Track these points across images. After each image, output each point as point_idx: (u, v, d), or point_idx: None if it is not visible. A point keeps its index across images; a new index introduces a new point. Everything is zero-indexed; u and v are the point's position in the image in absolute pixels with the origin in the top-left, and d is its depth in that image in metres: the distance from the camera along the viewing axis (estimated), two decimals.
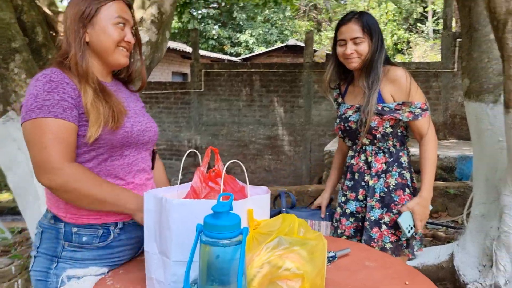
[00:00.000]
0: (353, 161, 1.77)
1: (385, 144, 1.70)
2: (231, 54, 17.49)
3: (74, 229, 1.17)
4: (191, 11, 16.07)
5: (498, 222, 2.10)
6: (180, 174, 1.21)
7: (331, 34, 17.53)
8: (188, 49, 12.02)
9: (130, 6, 1.31)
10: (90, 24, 1.20)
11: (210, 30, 17.36)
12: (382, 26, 14.91)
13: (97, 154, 1.17)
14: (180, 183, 1.21)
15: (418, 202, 1.62)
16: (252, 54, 14.84)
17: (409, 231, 1.61)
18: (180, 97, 7.87)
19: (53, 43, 2.61)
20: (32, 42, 2.47)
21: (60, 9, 3.12)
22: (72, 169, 1.09)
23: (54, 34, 2.75)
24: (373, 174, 1.70)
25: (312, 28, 18.84)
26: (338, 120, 1.81)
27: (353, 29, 1.64)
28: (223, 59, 14.11)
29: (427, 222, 3.81)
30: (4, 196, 7.34)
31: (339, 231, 1.79)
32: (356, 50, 1.64)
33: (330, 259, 1.29)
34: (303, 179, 7.24)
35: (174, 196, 1.18)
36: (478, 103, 2.26)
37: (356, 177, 1.74)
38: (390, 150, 1.70)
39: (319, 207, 1.98)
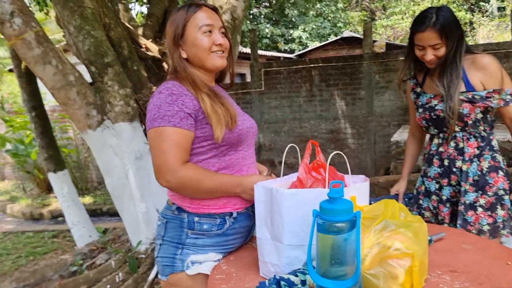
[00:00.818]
0: (441, 149, 1.79)
1: (476, 130, 1.73)
2: (285, 51, 17.53)
3: (196, 218, 1.33)
4: None
5: None
6: (282, 168, 1.33)
7: (385, 22, 17.03)
8: (244, 50, 12.25)
9: (215, 10, 1.41)
10: (183, 41, 1.35)
11: (263, 29, 17.51)
12: None
13: (218, 151, 1.33)
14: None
15: None
16: (307, 49, 14.78)
17: None
18: (241, 97, 8.07)
19: (137, 55, 2.84)
20: (120, 56, 2.71)
21: (139, 24, 3.36)
22: (185, 170, 1.25)
23: (137, 47, 2.98)
24: (466, 159, 1.72)
25: (366, 18, 18.42)
26: (421, 110, 1.83)
27: (431, 37, 1.64)
28: (279, 57, 14.20)
29: None
30: (86, 200, 7.94)
31: (439, 217, 1.82)
32: (436, 55, 1.67)
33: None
34: (368, 171, 7.15)
35: (279, 187, 1.30)
36: None
37: (446, 163, 1.77)
38: (482, 135, 1.73)
39: (397, 194, 2.04)
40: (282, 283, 1.04)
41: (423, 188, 1.91)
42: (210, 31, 1.35)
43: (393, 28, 16.73)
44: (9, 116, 9.42)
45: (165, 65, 3.07)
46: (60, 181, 4.79)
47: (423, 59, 1.72)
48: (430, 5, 15.48)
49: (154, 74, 2.98)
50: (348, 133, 7.30)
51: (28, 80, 4.61)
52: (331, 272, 0.97)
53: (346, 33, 13.29)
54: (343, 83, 7.14)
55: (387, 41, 11.22)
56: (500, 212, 1.70)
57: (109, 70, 2.48)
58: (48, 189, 8.49)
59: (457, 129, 1.73)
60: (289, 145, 1.25)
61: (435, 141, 1.83)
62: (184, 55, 1.36)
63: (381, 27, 17.33)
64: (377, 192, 4.33)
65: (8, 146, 9.10)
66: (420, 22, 1.67)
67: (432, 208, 1.85)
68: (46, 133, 4.94)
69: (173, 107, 1.25)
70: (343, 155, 1.17)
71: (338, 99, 7.26)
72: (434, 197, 1.84)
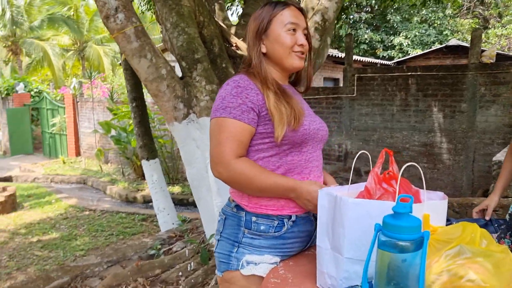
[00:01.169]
0: None
1: None
2: (383, 58, 16.88)
3: (254, 218, 1.30)
4: (342, 16, 16.02)
5: None
6: (351, 174, 1.25)
7: (500, 31, 15.55)
8: (340, 54, 12.02)
9: (301, 10, 1.40)
10: (265, 36, 1.34)
11: (362, 34, 17.05)
12: None
13: (280, 150, 1.29)
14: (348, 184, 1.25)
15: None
16: (407, 57, 14.07)
17: None
18: (331, 102, 7.92)
19: (226, 53, 2.91)
20: (210, 53, 2.80)
21: (232, 23, 3.45)
22: (238, 163, 1.23)
23: (227, 45, 3.06)
24: None
25: (478, 26, 17.00)
26: None
27: None
28: (376, 63, 13.71)
29: None
30: (175, 189, 8.39)
31: None
32: None
33: None
34: (463, 191, 6.57)
35: (345, 195, 1.22)
36: None
37: None
38: None
39: (482, 212, 1.81)
40: None
41: None
42: (294, 30, 1.34)
43: (509, 38, 15.22)
44: (116, 105, 10.33)
45: None
46: (151, 168, 5.10)
47: None
48: None
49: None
50: (443, 147, 6.78)
51: (132, 72, 4.97)
52: None
53: (453, 41, 12.40)
54: (442, 94, 6.65)
55: (498, 51, 10.23)
56: None
57: (198, 66, 2.57)
58: (143, 175, 9.18)
59: None
60: (360, 151, 1.16)
61: None
62: (263, 50, 1.35)
63: (495, 36, 15.87)
64: (469, 215, 3.96)
65: (113, 132, 9.97)
66: None
67: None
68: (143, 123, 5.30)
69: (237, 99, 1.24)
70: (418, 167, 1.06)
71: (435, 111, 6.78)
72: None
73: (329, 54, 11.55)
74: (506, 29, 15.36)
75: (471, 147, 6.47)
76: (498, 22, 17.17)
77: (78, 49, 20.86)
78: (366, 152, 1.19)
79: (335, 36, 16.31)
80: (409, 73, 6.95)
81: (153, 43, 2.48)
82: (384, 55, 17.12)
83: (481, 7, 18.66)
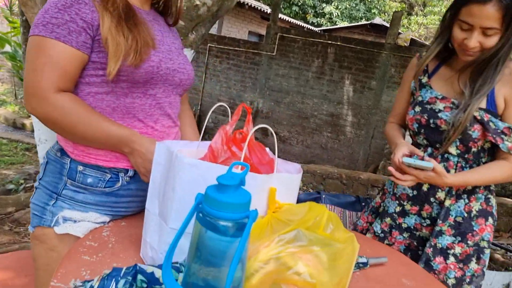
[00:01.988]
0: None
1: (477, 160, 1.34)
2: (312, 24, 16.89)
3: (80, 168, 1.05)
4: None
5: None
6: (203, 129, 1.04)
7: (421, 20, 16.30)
8: (269, 10, 11.70)
9: None
10: None
11: None
12: None
13: (116, 87, 1.01)
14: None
15: (439, 174, 1.23)
16: (334, 27, 14.18)
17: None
18: (250, 57, 7.69)
19: None
20: None
21: None
22: (59, 100, 0.94)
23: None
24: (453, 192, 1.35)
25: (403, 10, 17.63)
26: (418, 109, 1.38)
27: (490, 16, 1.16)
28: (303, 27, 13.63)
29: None
30: None
31: (385, 242, 1.48)
32: (482, 43, 1.21)
33: (360, 265, 1.08)
34: (359, 164, 6.88)
35: (191, 154, 1.02)
36: None
37: (424, 188, 1.39)
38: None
39: (361, 197, 1.74)
40: (140, 277, 0.78)
41: (378, 200, 1.58)
42: None
43: (427, 27, 16.03)
44: (14, 18, 9.06)
45: None
46: None
47: (461, 47, 1.26)
48: None
49: None
50: (348, 120, 6.97)
51: None
52: (198, 274, 0.71)
53: (377, 20, 12.71)
54: (356, 68, 6.75)
55: (414, 37, 10.68)
56: (474, 265, 1.36)
57: None
58: None
59: (453, 151, 1.34)
60: (218, 104, 0.95)
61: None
62: None
63: (416, 24, 16.62)
64: (355, 188, 4.08)
65: (7, 48, 8.78)
66: None
67: (379, 232, 1.48)
68: None
69: (63, 14, 0.93)
70: (272, 132, 0.88)
71: (347, 84, 6.89)
72: (388, 220, 1.46)
73: (257, 8, 11.19)
74: (426, 18, 16.13)
75: (373, 124, 6.72)
76: (421, 11, 17.98)
77: None
78: (225, 105, 0.97)
79: None
80: (329, 42, 6.92)
81: None
82: (314, 21, 17.15)
83: None
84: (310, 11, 17.39)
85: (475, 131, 1.28)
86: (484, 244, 1.36)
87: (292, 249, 0.76)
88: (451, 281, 1.35)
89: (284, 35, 7.35)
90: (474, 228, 1.35)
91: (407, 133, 1.56)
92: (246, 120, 0.95)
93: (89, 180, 1.05)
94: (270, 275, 0.75)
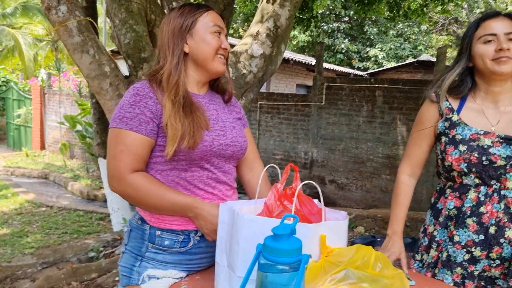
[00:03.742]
0: (483, 209, 1.36)
1: None
2: (358, 69, 17.10)
3: (158, 232, 1.23)
4: (321, 25, 16.17)
5: None
6: (258, 186, 1.20)
7: None
8: (313, 62, 12.09)
9: (222, 16, 1.35)
10: (189, 35, 1.25)
11: (339, 44, 17.23)
12: None
13: (177, 165, 1.21)
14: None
15: None
16: (380, 69, 14.28)
17: None
18: (300, 109, 7.93)
19: None
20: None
21: None
22: (133, 179, 1.15)
23: None
24: None
25: (450, 43, 17.42)
26: (463, 148, 1.36)
27: (506, 23, 1.31)
28: (349, 73, 13.85)
29: None
30: None
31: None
32: (510, 49, 1.29)
33: None
34: (422, 204, 6.67)
35: (250, 211, 1.18)
36: None
37: (492, 230, 1.34)
38: None
39: (416, 238, 1.74)
40: None
41: (434, 253, 1.47)
42: (219, 33, 1.28)
43: None
44: (83, 100, 10.07)
45: None
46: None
47: (495, 57, 1.31)
48: None
49: None
50: None
51: None
52: None
53: (424, 57, 12.65)
54: (407, 108, 6.75)
55: None
56: None
57: (145, 65, 2.49)
58: None
59: (511, 185, 1.33)
60: (268, 166, 1.11)
61: (471, 195, 1.38)
62: (186, 50, 1.25)
63: None
64: (419, 229, 3.99)
65: (79, 127, 9.71)
66: (488, 13, 1.36)
67: (452, 284, 1.40)
68: (102, 119, 5.14)
69: (134, 109, 1.16)
70: (316, 184, 1.03)
71: (400, 124, 6.87)
72: (459, 269, 1.39)
73: (302, 62, 11.60)
74: None
75: (432, 161, 6.55)
76: None
77: (51, 39, 20.31)
78: (275, 166, 1.14)
79: (312, 44, 16.43)
80: (377, 85, 7.03)
81: (97, 39, 2.39)
82: (360, 66, 17.35)
83: (456, 24, 19.16)
84: (355, 57, 17.66)
85: None
86: None
87: (344, 287, 0.88)
88: None
89: (330, 84, 7.57)
90: None
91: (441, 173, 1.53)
92: (294, 177, 1.10)
93: (166, 242, 1.23)
94: None
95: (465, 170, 1.37)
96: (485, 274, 1.39)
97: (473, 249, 1.37)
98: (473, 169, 1.36)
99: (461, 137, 1.39)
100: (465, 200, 1.38)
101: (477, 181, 1.37)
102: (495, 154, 1.32)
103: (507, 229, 1.33)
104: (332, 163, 7.64)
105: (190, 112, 1.19)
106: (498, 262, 1.36)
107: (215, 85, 1.41)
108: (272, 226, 0.98)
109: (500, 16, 1.34)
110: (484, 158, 1.33)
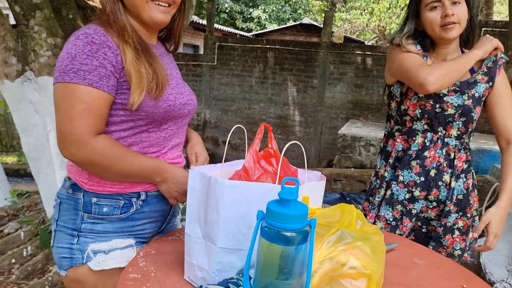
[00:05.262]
0: (426, 153, 1.46)
1: (467, 140, 1.48)
2: (242, 29, 17.17)
3: (94, 199, 1.09)
4: None
5: None
6: (225, 151, 1.11)
7: (344, 15, 17.11)
8: (200, 21, 11.75)
9: None
10: None
11: (222, 3, 16.99)
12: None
13: (135, 126, 1.08)
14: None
15: (496, 213, 1.40)
16: (265, 30, 14.52)
17: None
18: (191, 69, 7.71)
19: (74, 2, 2.47)
20: (53, 0, 2.33)
21: None
22: (98, 143, 0.99)
23: None
24: (456, 173, 1.46)
25: (327, 8, 18.42)
26: (422, 95, 1.42)
27: None
28: (236, 34, 13.83)
29: None
30: (9, 158, 7.29)
31: (397, 231, 1.54)
32: (456, 13, 1.35)
33: None
34: (312, 161, 7.14)
35: (219, 176, 1.08)
36: None
37: (432, 173, 1.46)
38: (469, 147, 1.50)
39: (344, 194, 1.85)
40: None
41: (384, 192, 1.57)
42: None
43: (351, 22, 16.86)
44: None
45: None
46: None
47: (441, 24, 1.37)
48: (388, 5, 15.29)
49: None
50: (296, 120, 7.22)
51: None
52: (272, 286, 0.78)
53: (306, 20, 13.20)
54: (297, 69, 7.01)
55: (344, 34, 11.24)
56: (470, 234, 1.52)
57: (38, 13, 2.11)
58: None
59: (454, 132, 1.44)
60: (235, 126, 1.03)
61: (418, 139, 1.47)
62: None
63: (340, 20, 17.42)
64: (354, 186, 4.27)
65: None
66: None
67: (391, 220, 1.53)
68: None
69: (92, 60, 0.97)
70: (301, 146, 0.97)
71: (291, 85, 7.13)
72: (399, 207, 1.51)
73: (191, 20, 11.22)
74: (349, 14, 16.96)
75: (320, 121, 7.01)
76: (343, 7, 18.89)
77: None
78: (242, 127, 1.05)
79: (198, 2, 15.91)
80: (268, 46, 7.13)
81: None
82: (243, 26, 17.43)
83: None
84: (238, 17, 17.66)
85: (476, 113, 1.42)
86: (475, 213, 1.53)
87: (342, 247, 0.85)
88: (457, 253, 1.50)
89: (222, 44, 7.46)
90: (470, 202, 1.49)
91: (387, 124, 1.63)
92: (269, 137, 1.03)
93: (105, 209, 1.09)
94: (327, 273, 0.83)
95: (418, 115, 1.45)
96: (422, 215, 1.54)
97: (413, 189, 1.48)
98: (426, 115, 1.44)
99: None
100: (412, 144, 1.49)
101: (425, 127, 1.46)
102: (448, 102, 1.42)
103: (445, 173, 1.46)
104: (225, 124, 7.66)
105: (152, 59, 1.06)
106: (434, 204, 1.51)
107: (163, 33, 1.24)
108: (255, 190, 0.91)
109: None
110: (437, 106, 1.42)
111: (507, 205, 1.42)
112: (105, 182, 1.09)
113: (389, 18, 14.89)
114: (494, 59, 1.45)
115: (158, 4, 1.06)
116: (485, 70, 1.45)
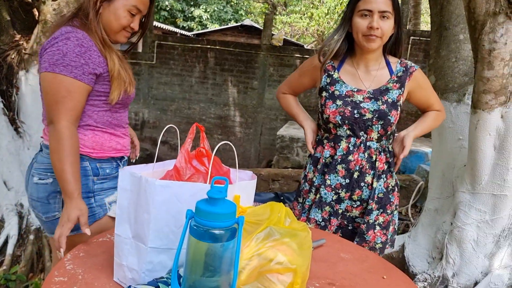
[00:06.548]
0: (350, 157, 1.55)
1: (387, 143, 1.59)
2: (183, 28, 16.94)
3: (98, 164, 1.39)
4: None
5: (451, 217, 2.18)
6: (157, 150, 1.10)
7: (285, 19, 17.47)
8: None
9: (151, 1, 1.42)
10: (107, 3, 1.32)
11: (163, 1, 16.67)
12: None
13: (112, 107, 1.40)
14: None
15: (409, 134, 1.58)
16: (206, 30, 14.45)
17: None
18: None
19: None
20: None
21: None
22: (65, 129, 1.24)
23: None
24: (377, 174, 1.56)
25: (268, 11, 18.69)
26: (340, 102, 1.53)
27: (386, 2, 1.44)
28: (176, 32, 13.62)
29: None
30: None
31: (326, 230, 1.62)
32: (381, 28, 1.44)
33: None
34: (251, 161, 7.22)
35: (150, 176, 1.07)
36: (442, 101, 2.32)
37: (355, 176, 1.56)
38: (389, 149, 1.60)
39: (279, 193, 1.90)
40: None
41: (313, 196, 1.65)
42: (135, 15, 1.35)
43: (291, 25, 17.25)
44: None
45: (35, 11, 2.57)
46: None
47: (365, 33, 1.46)
48: (327, 11, 15.80)
49: (19, 20, 2.48)
50: (236, 121, 7.26)
51: None
52: (200, 284, 0.80)
53: (247, 22, 13.31)
54: (237, 70, 7.06)
55: (284, 37, 11.47)
56: (390, 228, 1.64)
57: None
58: None
59: (375, 135, 1.54)
60: (168, 126, 1.03)
61: (343, 145, 1.56)
62: (100, 10, 1.32)
63: (280, 23, 17.75)
64: (258, 185, 4.33)
65: None
66: None
67: (321, 220, 1.61)
68: None
69: (80, 59, 1.25)
70: (232, 145, 1.00)
71: (231, 86, 7.16)
72: (327, 208, 1.60)
73: None
74: (289, 17, 17.33)
75: (259, 122, 7.10)
76: (284, 10, 19.27)
77: None
78: (174, 126, 1.05)
79: None
80: (209, 46, 7.11)
81: None
82: (184, 25, 17.22)
83: None
84: (179, 16, 17.42)
85: (392, 116, 1.52)
86: (394, 208, 1.65)
87: (269, 244, 0.89)
88: (378, 246, 1.60)
89: (162, 42, 7.33)
90: (391, 200, 1.61)
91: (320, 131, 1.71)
92: (201, 137, 1.04)
93: (108, 170, 1.42)
94: (255, 269, 0.86)
95: (340, 122, 1.54)
96: (348, 214, 1.63)
97: (339, 191, 1.58)
98: (346, 122, 1.54)
99: (338, 93, 1.57)
100: (337, 149, 1.57)
101: (348, 132, 1.56)
102: (364, 108, 1.52)
103: (367, 174, 1.57)
104: (164, 124, 7.53)
105: (126, 65, 1.40)
106: (358, 203, 1.60)
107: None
108: (187, 190, 0.92)
109: None
110: (355, 112, 1.52)
111: (418, 132, 1.62)
112: (104, 149, 1.40)
113: (327, 23, 15.40)
114: (404, 69, 1.59)
115: (126, 33, 1.38)
116: (395, 78, 1.57)
